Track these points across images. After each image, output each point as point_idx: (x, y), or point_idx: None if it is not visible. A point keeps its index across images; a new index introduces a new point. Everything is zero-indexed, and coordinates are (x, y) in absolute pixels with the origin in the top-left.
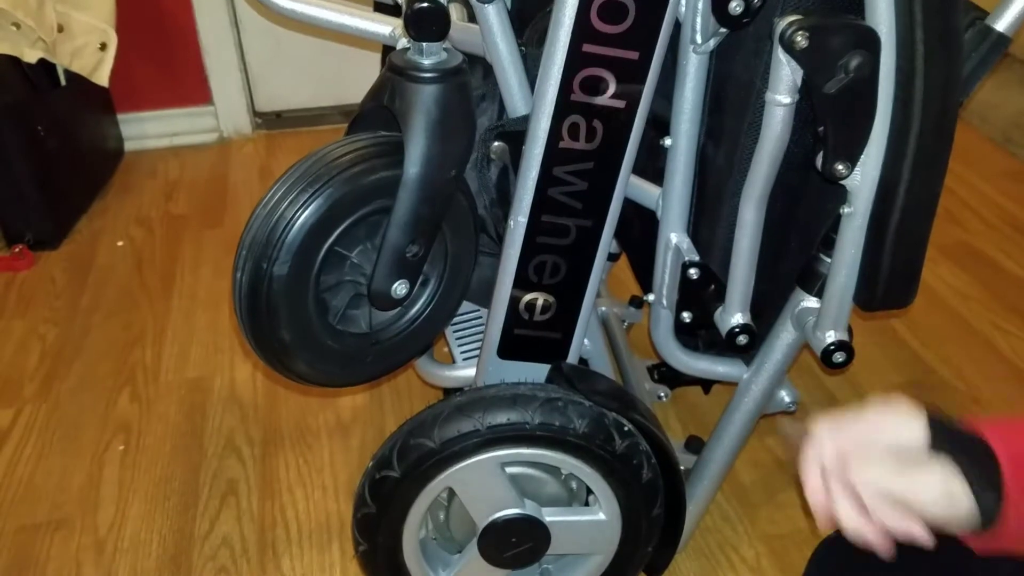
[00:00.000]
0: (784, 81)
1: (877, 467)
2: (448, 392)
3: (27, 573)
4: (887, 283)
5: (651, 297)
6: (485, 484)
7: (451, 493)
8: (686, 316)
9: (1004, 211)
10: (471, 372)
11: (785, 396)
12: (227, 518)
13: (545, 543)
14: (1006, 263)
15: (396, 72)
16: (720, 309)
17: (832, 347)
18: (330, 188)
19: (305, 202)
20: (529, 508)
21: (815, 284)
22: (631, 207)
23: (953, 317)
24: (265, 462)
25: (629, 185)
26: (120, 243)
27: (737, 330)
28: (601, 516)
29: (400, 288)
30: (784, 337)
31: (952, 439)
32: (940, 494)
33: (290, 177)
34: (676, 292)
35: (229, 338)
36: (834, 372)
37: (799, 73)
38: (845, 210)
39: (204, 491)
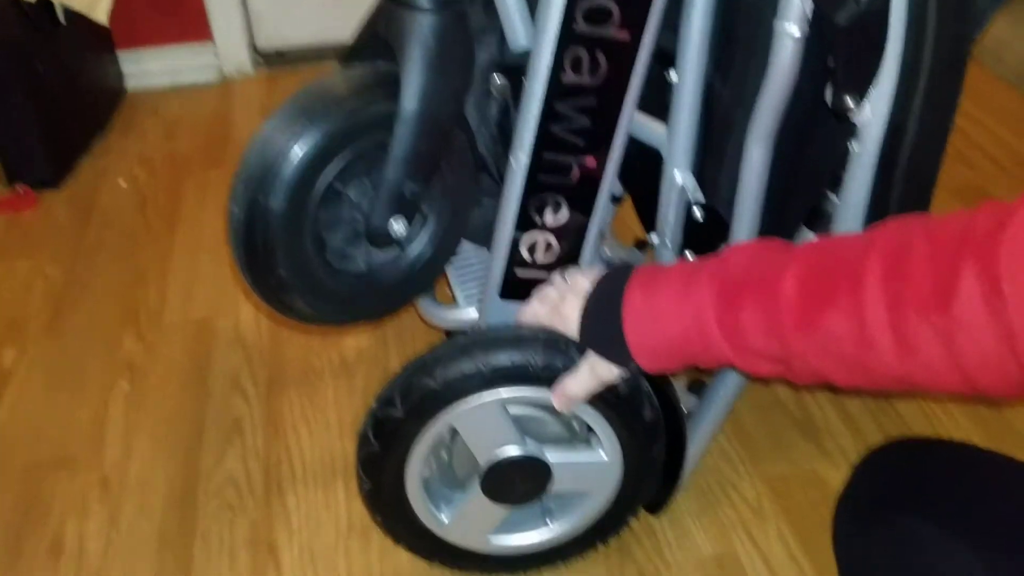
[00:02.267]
0: (794, 9)
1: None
2: (451, 334)
3: (34, 510)
4: None
5: (655, 238)
6: (487, 424)
7: (454, 432)
8: (690, 257)
9: (1016, 152)
10: (474, 313)
11: None
12: (232, 456)
13: (546, 482)
14: None
15: (392, 0)
16: None
17: None
18: (326, 121)
19: (301, 135)
20: (531, 448)
21: (822, 225)
22: (635, 145)
23: None
24: (270, 402)
25: (633, 122)
26: (122, 183)
27: None
28: (602, 456)
29: (398, 226)
30: None
31: (595, 336)
32: (589, 384)
33: (286, 110)
34: (680, 233)
35: (233, 279)
36: None
37: (809, 2)
38: (854, 147)
39: (209, 430)
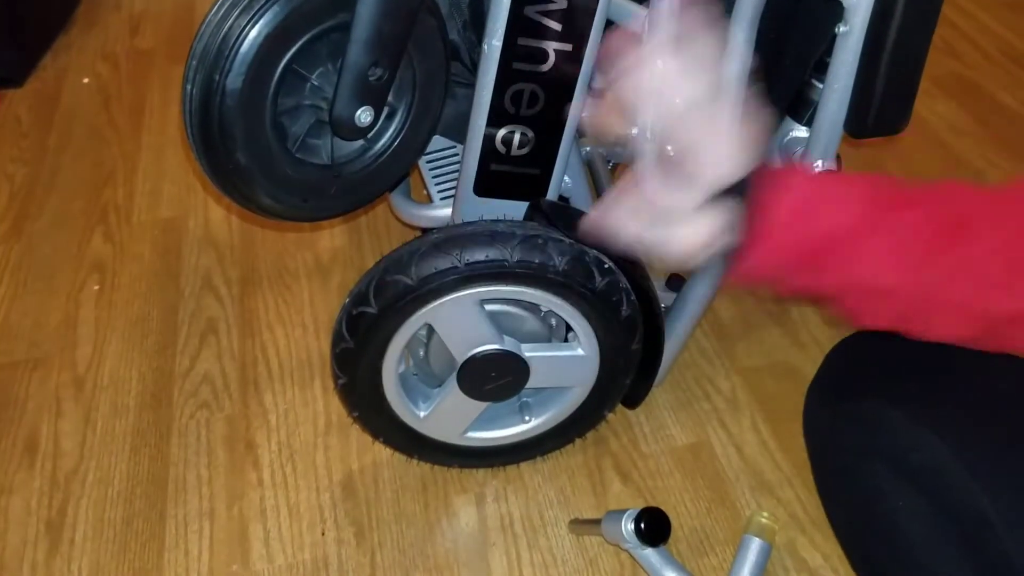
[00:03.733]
0: None
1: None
2: (426, 231)
3: (7, 410)
4: (880, 107)
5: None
6: (464, 321)
7: (430, 329)
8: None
9: (1003, 42)
10: (449, 212)
11: None
12: (207, 356)
13: (524, 378)
14: (1003, 97)
15: None
16: None
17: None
18: None
19: (260, 10)
20: (508, 344)
21: (805, 112)
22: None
23: (945, 152)
24: (243, 302)
25: (612, 5)
26: (86, 80)
27: None
28: (580, 352)
29: (364, 115)
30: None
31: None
32: (686, 251)
33: None
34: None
35: (202, 177)
36: None
37: None
38: (840, 29)
39: (183, 330)
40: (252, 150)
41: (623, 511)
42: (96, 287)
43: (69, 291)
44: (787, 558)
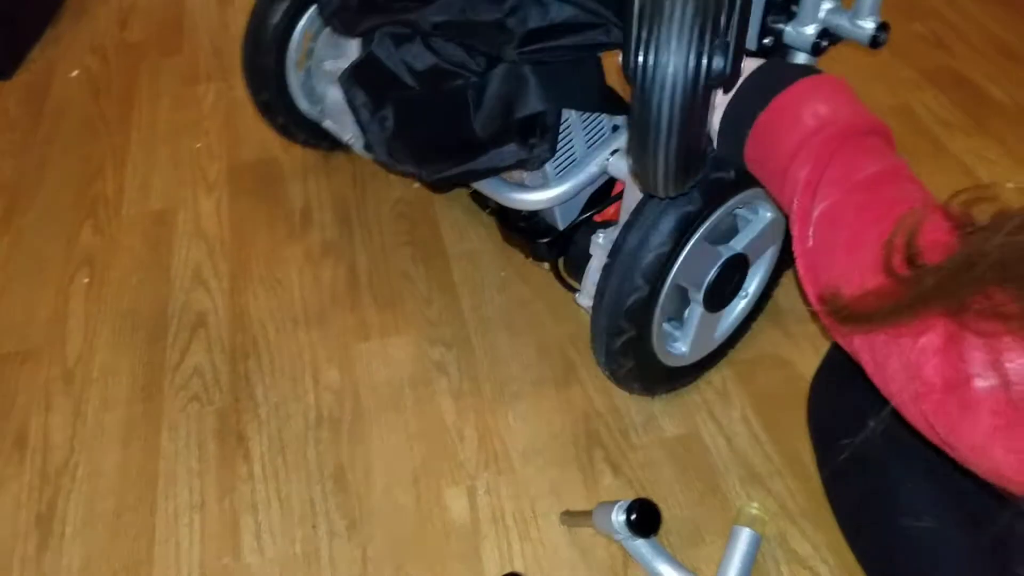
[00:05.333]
0: None
1: None
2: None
3: None
4: None
5: None
6: (701, 261)
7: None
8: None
9: (993, 36)
10: (553, 192)
11: None
12: (197, 349)
13: (746, 266)
14: (992, 90)
15: None
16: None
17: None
18: None
19: None
20: (726, 253)
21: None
22: None
23: (934, 144)
24: (234, 295)
25: None
26: (75, 73)
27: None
28: (769, 215)
29: None
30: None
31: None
32: None
33: None
34: None
35: (191, 170)
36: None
37: None
38: None
39: (173, 323)
40: None
41: (614, 502)
42: (86, 280)
43: (59, 284)
44: (777, 549)
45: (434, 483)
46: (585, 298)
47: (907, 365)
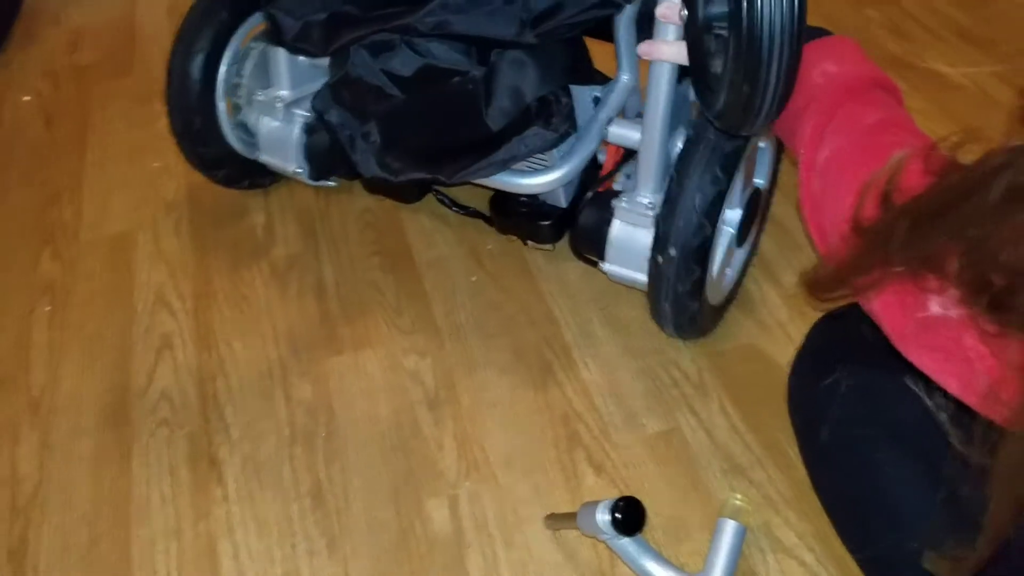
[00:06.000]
0: None
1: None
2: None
3: None
4: None
5: None
6: (739, 194)
7: None
8: None
9: (948, 19)
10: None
11: None
12: (164, 372)
13: (760, 198)
14: (950, 73)
15: None
16: None
17: None
18: None
19: None
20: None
21: None
22: None
23: None
24: (198, 315)
25: None
26: (27, 98)
27: None
28: (762, 144)
29: None
30: None
31: None
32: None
33: None
34: None
35: (150, 191)
36: None
37: None
38: None
39: (138, 347)
40: None
41: (598, 502)
42: (48, 308)
43: (20, 314)
44: (763, 539)
45: (414, 495)
46: (612, 264)
47: None
